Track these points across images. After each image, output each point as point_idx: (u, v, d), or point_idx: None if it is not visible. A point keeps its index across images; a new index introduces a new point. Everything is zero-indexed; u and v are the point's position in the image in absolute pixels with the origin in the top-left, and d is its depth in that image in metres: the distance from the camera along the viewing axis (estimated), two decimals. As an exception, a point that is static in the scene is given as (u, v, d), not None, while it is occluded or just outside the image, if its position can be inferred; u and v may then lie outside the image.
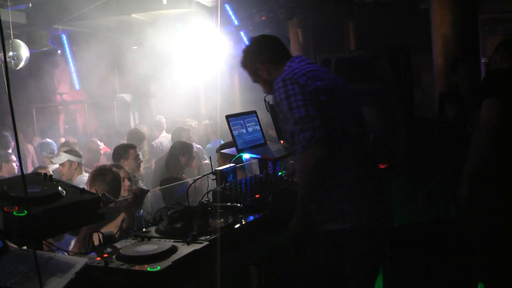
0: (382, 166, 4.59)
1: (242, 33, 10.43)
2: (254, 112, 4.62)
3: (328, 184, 2.79)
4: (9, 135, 8.51)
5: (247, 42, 10.61)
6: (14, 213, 2.22)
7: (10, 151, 8.14)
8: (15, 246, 2.33)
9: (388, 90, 4.80)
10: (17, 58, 8.76)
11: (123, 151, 6.00)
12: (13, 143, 8.45)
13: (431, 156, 4.82)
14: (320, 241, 2.85)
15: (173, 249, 2.48)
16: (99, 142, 7.93)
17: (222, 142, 6.43)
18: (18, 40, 8.88)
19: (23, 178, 1.47)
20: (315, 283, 2.96)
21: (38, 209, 2.30)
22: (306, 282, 3.06)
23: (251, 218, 3.05)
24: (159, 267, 2.27)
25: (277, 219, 3.11)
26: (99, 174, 4.29)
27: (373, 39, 9.41)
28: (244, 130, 4.33)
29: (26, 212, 2.23)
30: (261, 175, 3.79)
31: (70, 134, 11.31)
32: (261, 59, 3.10)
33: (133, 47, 12.43)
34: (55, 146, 7.89)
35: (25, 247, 2.36)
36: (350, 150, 2.83)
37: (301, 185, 2.84)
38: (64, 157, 6.07)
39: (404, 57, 5.01)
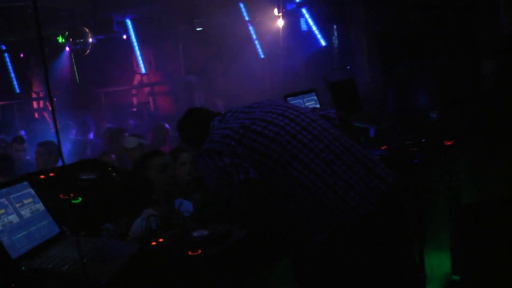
0: (449, 143, 4.42)
1: (304, 10, 10.28)
2: (314, 90, 4.54)
3: (288, 204, 2.54)
4: (89, 120, 8.81)
5: (309, 19, 10.50)
6: (69, 200, 2.25)
7: (91, 135, 8.42)
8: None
9: (452, 65, 4.59)
10: (84, 45, 9.01)
11: None
12: (93, 128, 8.74)
13: (501, 130, 4.59)
14: (310, 256, 2.58)
15: (228, 233, 2.46)
16: (166, 125, 8.01)
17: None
18: (83, 27, 9.12)
19: (63, 166, 1.47)
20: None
21: (92, 196, 2.32)
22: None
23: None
24: (212, 252, 2.26)
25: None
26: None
27: (438, 10, 9.03)
28: (304, 110, 4.25)
29: (80, 199, 2.26)
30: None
31: (138, 117, 11.53)
32: (192, 142, 3.02)
33: (197, 29, 12.50)
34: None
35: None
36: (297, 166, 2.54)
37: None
38: (134, 140, 6.15)
39: (468, 29, 4.78)
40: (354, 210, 2.46)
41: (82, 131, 8.47)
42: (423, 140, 4.38)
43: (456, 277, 4.51)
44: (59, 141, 1.56)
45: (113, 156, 6.26)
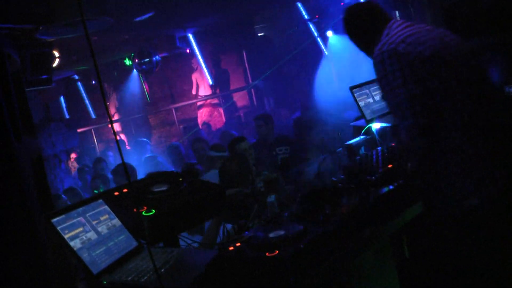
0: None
1: None
2: (379, 79, 4.44)
3: (449, 160, 2.42)
4: (146, 141, 9.11)
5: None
6: (143, 213, 2.29)
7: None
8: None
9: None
10: (149, 64, 9.23)
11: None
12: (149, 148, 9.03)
13: None
14: (457, 222, 2.48)
15: (304, 232, 2.42)
16: (233, 132, 8.11)
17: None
18: (147, 47, 9.34)
19: (129, 182, 1.48)
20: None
21: (165, 207, 2.35)
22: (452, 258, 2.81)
23: (384, 190, 2.91)
24: (289, 252, 2.23)
25: (413, 187, 2.95)
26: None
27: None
28: (371, 100, 4.17)
29: (154, 211, 2.29)
30: (393, 144, 3.61)
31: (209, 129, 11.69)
32: (357, 31, 2.86)
33: (258, 34, 12.55)
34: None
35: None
36: (462, 118, 2.42)
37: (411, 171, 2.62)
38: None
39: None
40: None
41: (139, 153, 8.70)
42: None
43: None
44: (123, 160, 1.59)
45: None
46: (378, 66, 2.53)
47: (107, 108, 1.53)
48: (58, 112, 11.59)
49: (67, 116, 11.80)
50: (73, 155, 10.25)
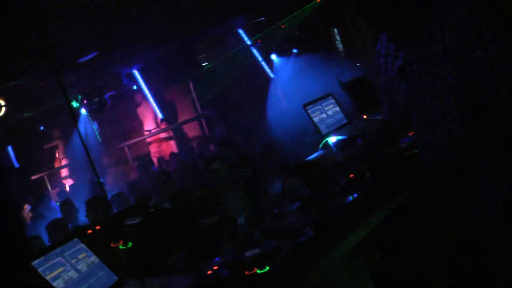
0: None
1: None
2: (330, 94, 4.57)
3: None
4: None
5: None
6: (120, 247, 2.31)
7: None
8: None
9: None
10: (98, 104, 9.20)
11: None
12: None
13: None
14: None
15: (279, 248, 2.48)
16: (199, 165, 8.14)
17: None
18: (94, 88, 9.30)
19: (108, 216, 1.51)
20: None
21: (140, 238, 2.37)
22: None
23: (350, 199, 3.00)
24: (267, 268, 2.28)
25: (375, 194, 3.06)
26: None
27: None
28: (324, 115, 4.29)
29: (130, 243, 2.31)
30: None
31: (166, 164, 11.63)
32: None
33: (203, 64, 12.65)
34: None
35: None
36: None
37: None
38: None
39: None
40: None
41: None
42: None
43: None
44: (105, 194, 1.63)
45: None
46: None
47: (85, 146, 1.56)
48: (7, 162, 11.34)
49: (16, 165, 11.55)
50: (26, 206, 10.02)
